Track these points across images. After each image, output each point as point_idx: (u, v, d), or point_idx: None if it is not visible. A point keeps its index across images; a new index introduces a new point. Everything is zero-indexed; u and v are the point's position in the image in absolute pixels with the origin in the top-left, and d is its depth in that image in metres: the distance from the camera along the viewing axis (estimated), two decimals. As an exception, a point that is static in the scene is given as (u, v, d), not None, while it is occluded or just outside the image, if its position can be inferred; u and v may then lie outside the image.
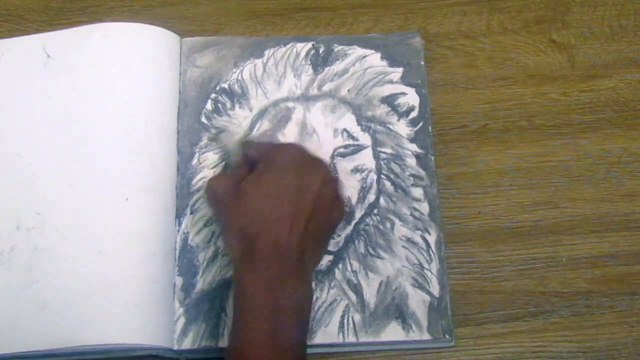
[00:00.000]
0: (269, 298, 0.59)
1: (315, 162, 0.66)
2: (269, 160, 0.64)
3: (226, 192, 0.64)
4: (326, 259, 0.70)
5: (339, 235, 0.71)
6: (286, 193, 0.62)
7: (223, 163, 0.74)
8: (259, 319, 0.58)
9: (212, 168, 0.74)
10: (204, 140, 0.75)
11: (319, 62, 0.78)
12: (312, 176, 0.63)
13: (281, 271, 0.60)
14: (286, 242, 0.60)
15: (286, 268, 0.60)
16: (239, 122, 0.76)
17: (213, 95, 0.77)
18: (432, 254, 0.71)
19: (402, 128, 0.76)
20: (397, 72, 0.78)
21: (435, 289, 0.69)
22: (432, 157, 0.74)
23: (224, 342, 0.67)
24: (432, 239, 0.71)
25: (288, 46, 0.79)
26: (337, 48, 0.79)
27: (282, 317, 0.58)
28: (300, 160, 0.64)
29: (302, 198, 0.62)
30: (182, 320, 0.68)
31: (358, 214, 0.72)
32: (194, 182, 0.73)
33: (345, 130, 0.75)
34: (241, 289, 0.60)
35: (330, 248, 0.70)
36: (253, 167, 0.65)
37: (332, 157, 0.74)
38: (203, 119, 0.76)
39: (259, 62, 0.78)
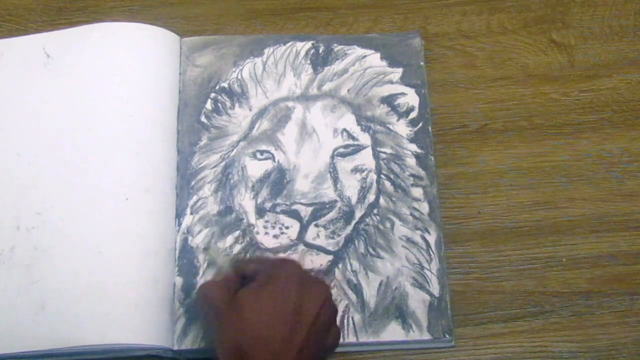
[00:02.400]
0: None
1: (317, 283, 0.64)
2: (270, 275, 0.62)
3: (222, 301, 0.61)
4: (326, 259, 0.70)
5: (339, 235, 0.71)
6: (283, 313, 0.59)
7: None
8: None
9: (213, 168, 0.74)
10: (204, 141, 0.75)
11: (319, 61, 0.78)
12: (313, 299, 0.60)
13: None
14: None
15: None
16: (238, 121, 0.76)
17: (213, 95, 0.77)
18: (432, 253, 0.71)
19: (402, 128, 0.76)
20: (396, 73, 0.78)
21: (435, 289, 0.69)
22: (432, 157, 0.74)
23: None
24: (432, 238, 0.71)
25: (288, 45, 0.79)
26: (337, 48, 0.79)
27: None
28: (302, 279, 0.62)
29: (298, 320, 0.59)
30: (182, 320, 0.68)
31: (358, 213, 0.72)
32: (193, 182, 0.73)
33: (345, 130, 0.75)
34: None
35: (330, 248, 0.71)
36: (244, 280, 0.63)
37: (332, 156, 0.74)
38: (203, 119, 0.76)
39: (258, 60, 0.78)
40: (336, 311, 0.64)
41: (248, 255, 0.70)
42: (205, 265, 0.70)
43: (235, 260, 0.68)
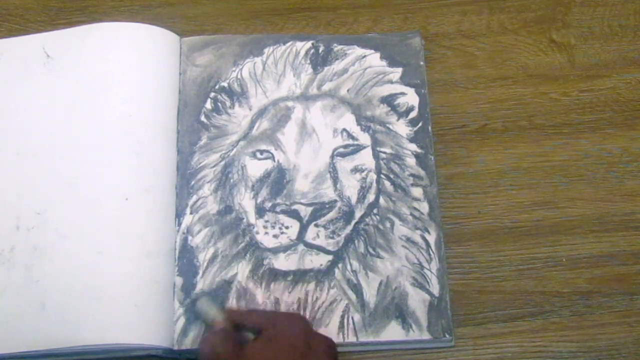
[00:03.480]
0: None
1: (324, 340, 0.64)
2: (277, 330, 0.63)
3: (229, 354, 0.61)
4: (326, 259, 0.70)
5: (339, 235, 0.71)
6: None
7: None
8: None
9: (212, 167, 0.74)
10: (204, 140, 0.75)
11: (319, 61, 0.78)
12: (320, 354, 0.62)
13: None
14: None
15: None
16: (238, 120, 0.76)
17: (212, 94, 0.77)
18: (431, 253, 0.71)
19: (402, 128, 0.76)
20: (396, 72, 0.78)
21: (435, 289, 0.69)
22: (432, 157, 0.74)
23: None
24: (431, 238, 0.71)
25: (288, 44, 0.79)
26: (337, 47, 0.79)
27: None
28: (308, 335, 0.63)
29: None
30: (182, 320, 0.68)
31: (358, 213, 0.72)
32: (193, 182, 0.73)
33: (344, 130, 0.75)
34: None
35: (330, 248, 0.71)
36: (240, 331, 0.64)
37: (332, 156, 0.74)
38: (202, 118, 0.76)
39: (258, 60, 0.78)
40: None
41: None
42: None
43: (229, 312, 0.67)
